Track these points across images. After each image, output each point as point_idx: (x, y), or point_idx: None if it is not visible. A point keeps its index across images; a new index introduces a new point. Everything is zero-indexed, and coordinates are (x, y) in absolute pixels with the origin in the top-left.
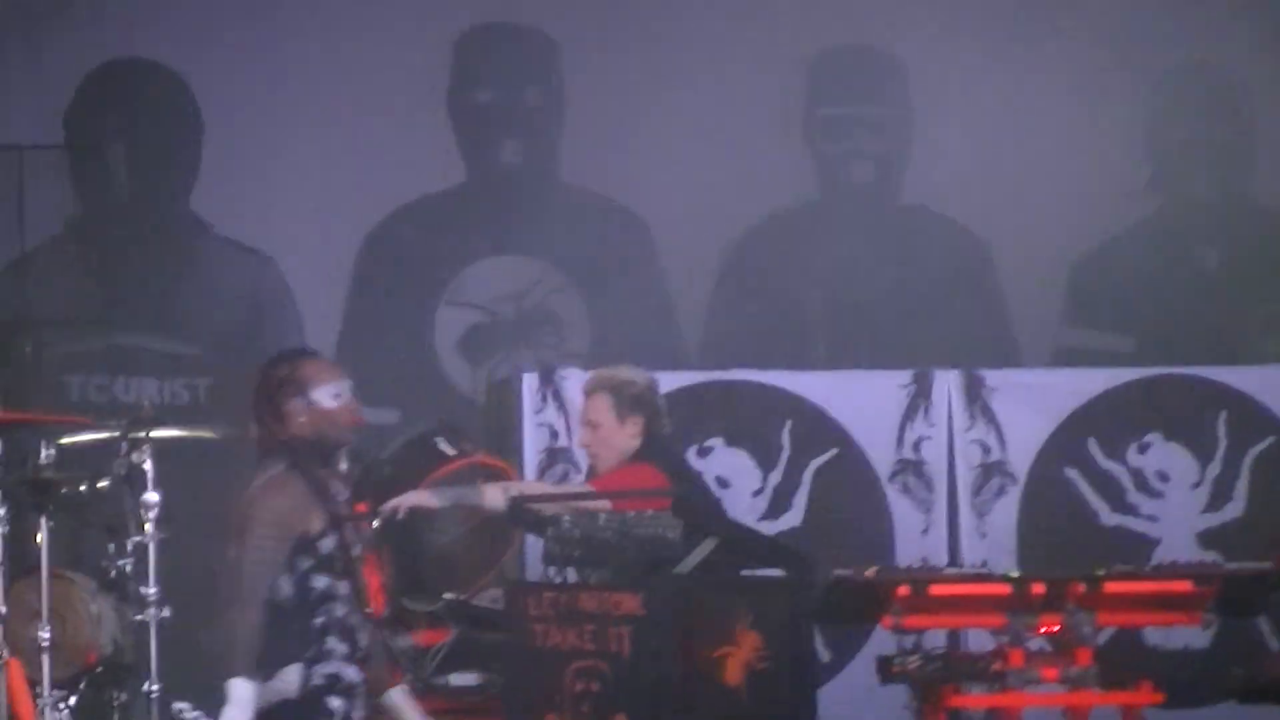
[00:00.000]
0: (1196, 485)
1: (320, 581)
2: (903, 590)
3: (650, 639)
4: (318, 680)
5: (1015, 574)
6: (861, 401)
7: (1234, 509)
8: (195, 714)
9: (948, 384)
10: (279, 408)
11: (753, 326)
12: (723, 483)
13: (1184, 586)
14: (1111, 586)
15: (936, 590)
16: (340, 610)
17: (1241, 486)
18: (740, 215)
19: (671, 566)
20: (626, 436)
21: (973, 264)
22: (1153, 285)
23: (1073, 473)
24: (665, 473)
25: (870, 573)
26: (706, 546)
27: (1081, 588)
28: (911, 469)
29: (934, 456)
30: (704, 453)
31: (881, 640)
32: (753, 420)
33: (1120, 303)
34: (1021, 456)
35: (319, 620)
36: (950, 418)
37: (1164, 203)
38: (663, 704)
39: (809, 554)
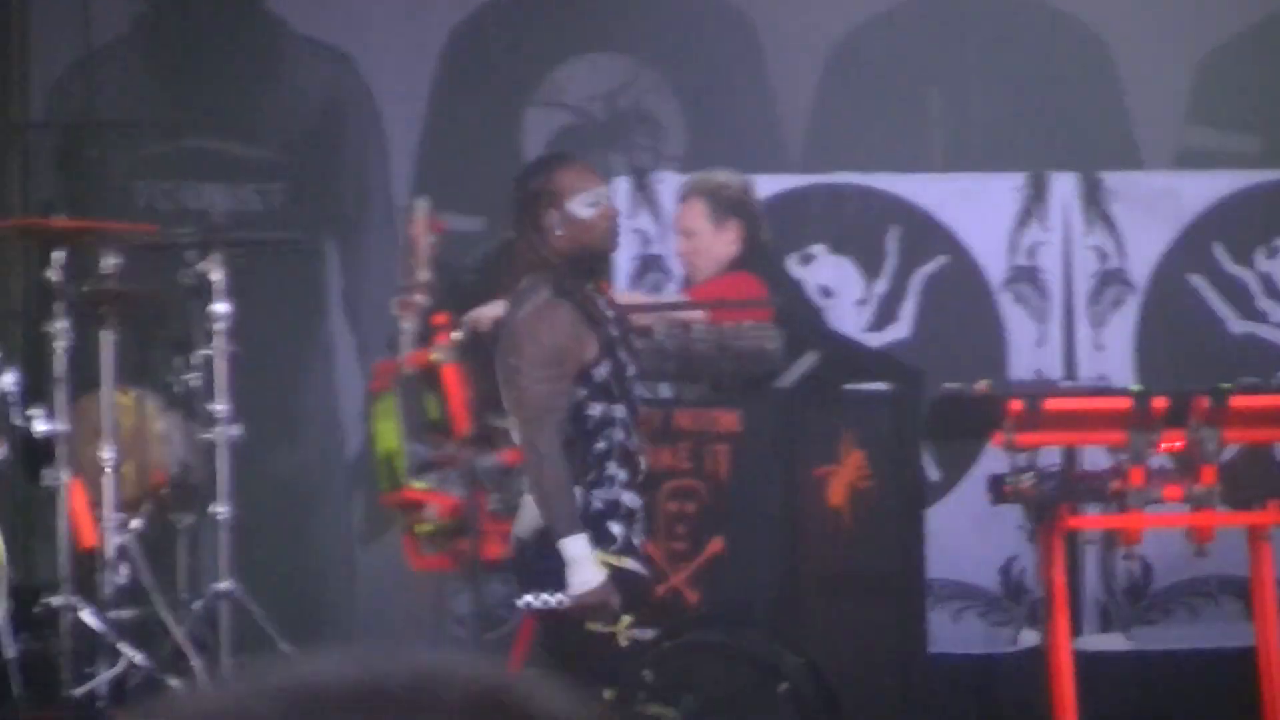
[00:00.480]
0: None
1: (596, 409)
2: (1016, 405)
3: (749, 457)
4: (597, 505)
5: (1135, 388)
6: (973, 206)
7: None
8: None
9: (1064, 187)
10: (537, 221)
11: (859, 128)
12: (826, 292)
13: None
14: (1238, 401)
15: (1051, 405)
16: (619, 434)
17: None
18: (848, 9)
19: (771, 381)
20: (724, 243)
21: (1090, 61)
22: None
23: (1197, 279)
24: (765, 282)
25: (981, 386)
26: (808, 360)
27: (1206, 402)
28: (1025, 277)
29: (1049, 264)
30: (806, 260)
31: (993, 459)
32: (858, 226)
33: (1248, 101)
34: (1142, 264)
35: (600, 445)
36: (1066, 223)
37: None
38: (762, 527)
39: (916, 367)
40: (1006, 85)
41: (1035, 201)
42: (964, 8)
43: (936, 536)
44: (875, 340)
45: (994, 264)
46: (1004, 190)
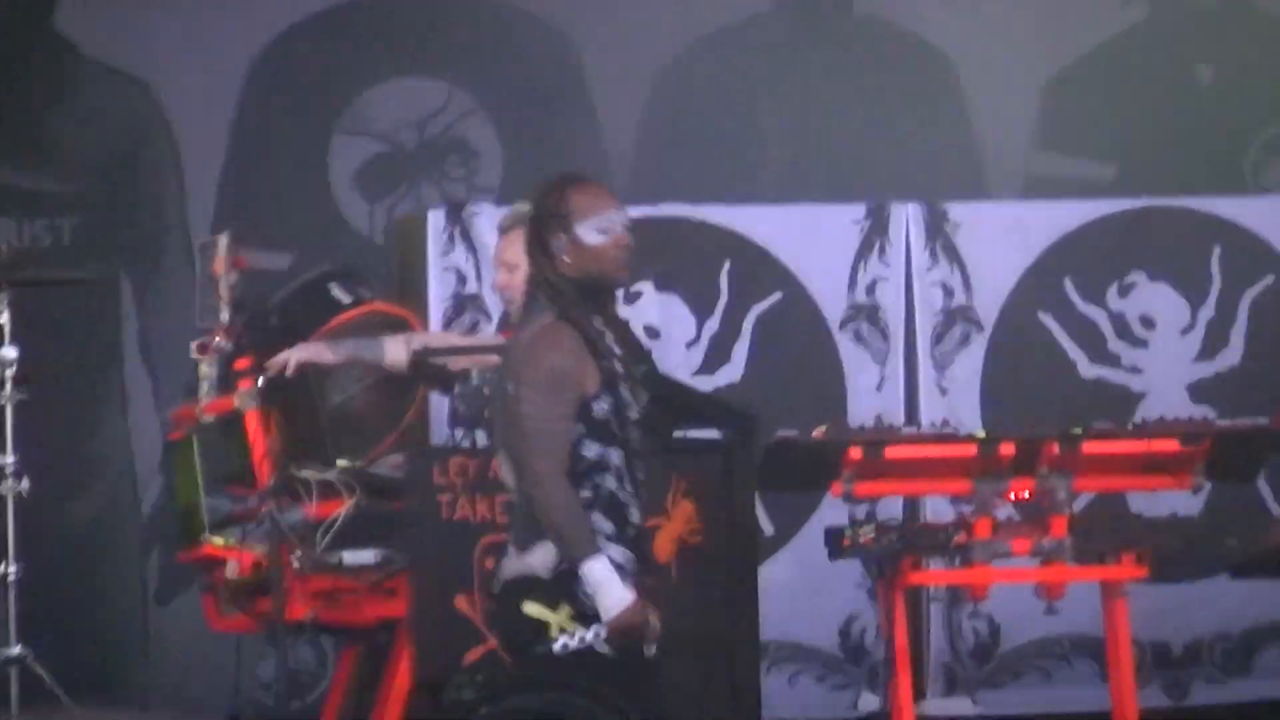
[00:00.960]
0: (1187, 331)
1: (591, 450)
2: (855, 453)
3: None
4: None
5: (981, 433)
6: (809, 240)
7: (1229, 357)
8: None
9: (906, 218)
10: (545, 244)
11: (688, 156)
12: (652, 332)
13: (1172, 446)
14: (1090, 447)
15: (892, 453)
16: (610, 483)
17: (1238, 332)
18: (678, 31)
19: None
20: None
21: (935, 82)
22: (1137, 105)
23: (1047, 318)
24: None
25: (818, 433)
26: None
27: (1056, 448)
28: (865, 315)
29: (891, 301)
30: (631, 298)
31: (832, 510)
32: (687, 261)
33: (1100, 125)
34: (989, 300)
35: (584, 494)
36: (909, 257)
37: (1151, 10)
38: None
39: (750, 412)
40: (846, 110)
41: (876, 234)
42: (803, 27)
43: (771, 594)
44: (706, 383)
45: (832, 301)
46: (843, 222)
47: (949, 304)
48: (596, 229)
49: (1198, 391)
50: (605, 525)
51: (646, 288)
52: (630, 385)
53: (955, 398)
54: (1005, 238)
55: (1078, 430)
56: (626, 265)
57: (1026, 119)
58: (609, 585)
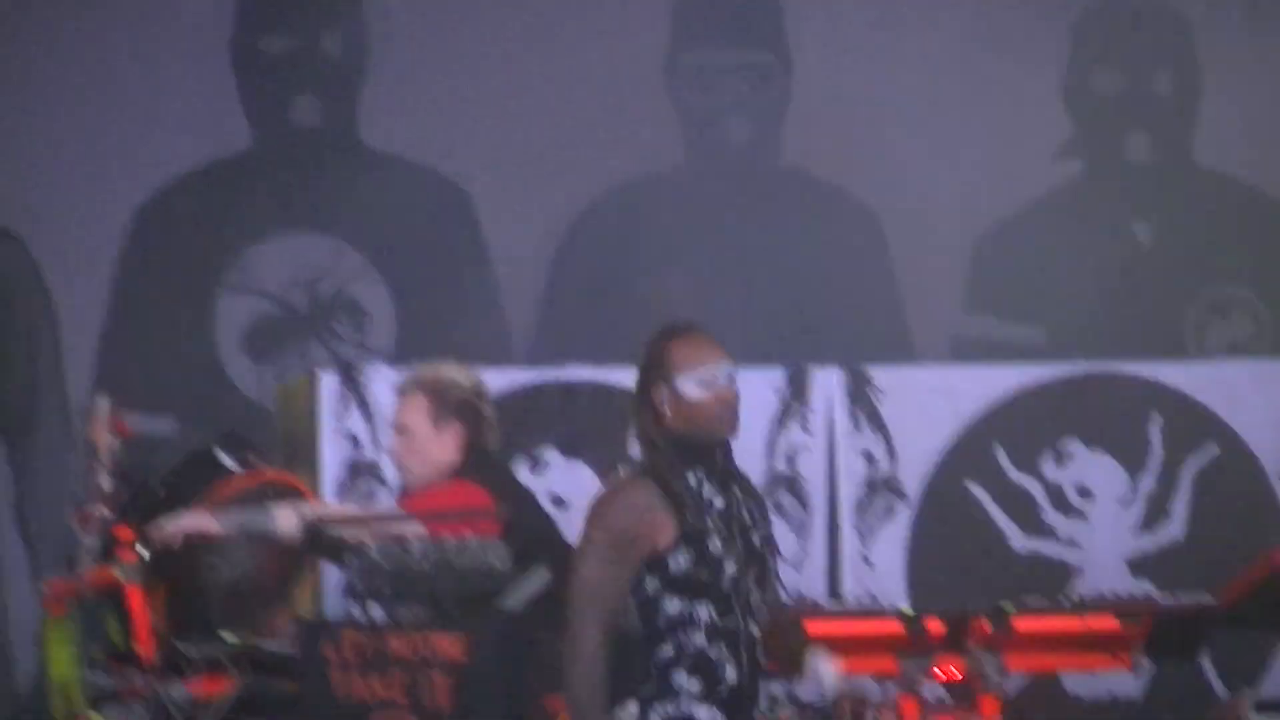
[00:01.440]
0: (1125, 502)
1: (672, 605)
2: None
3: (474, 689)
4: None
5: (907, 610)
6: None
7: (1171, 531)
8: None
9: (828, 384)
10: (646, 396)
11: (595, 317)
12: (559, 502)
13: (1110, 623)
14: (1023, 624)
15: (814, 629)
16: (697, 639)
17: (1180, 504)
18: (582, 184)
19: (498, 602)
20: (445, 448)
21: (859, 240)
22: (1072, 266)
23: (976, 488)
24: (491, 491)
25: None
26: (540, 578)
27: (986, 626)
28: (784, 485)
29: (811, 471)
30: (537, 466)
31: None
32: (595, 427)
33: (1033, 287)
34: (915, 470)
35: (666, 650)
36: (831, 424)
37: (1085, 168)
38: None
39: None
40: (765, 267)
41: (795, 400)
42: (722, 179)
43: None
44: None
45: (750, 470)
46: (759, 387)
47: (872, 473)
48: (697, 382)
49: (1138, 566)
50: (691, 684)
51: (553, 454)
52: (729, 537)
53: (880, 571)
54: (932, 404)
55: (1009, 606)
56: (729, 420)
57: (955, 279)
58: None
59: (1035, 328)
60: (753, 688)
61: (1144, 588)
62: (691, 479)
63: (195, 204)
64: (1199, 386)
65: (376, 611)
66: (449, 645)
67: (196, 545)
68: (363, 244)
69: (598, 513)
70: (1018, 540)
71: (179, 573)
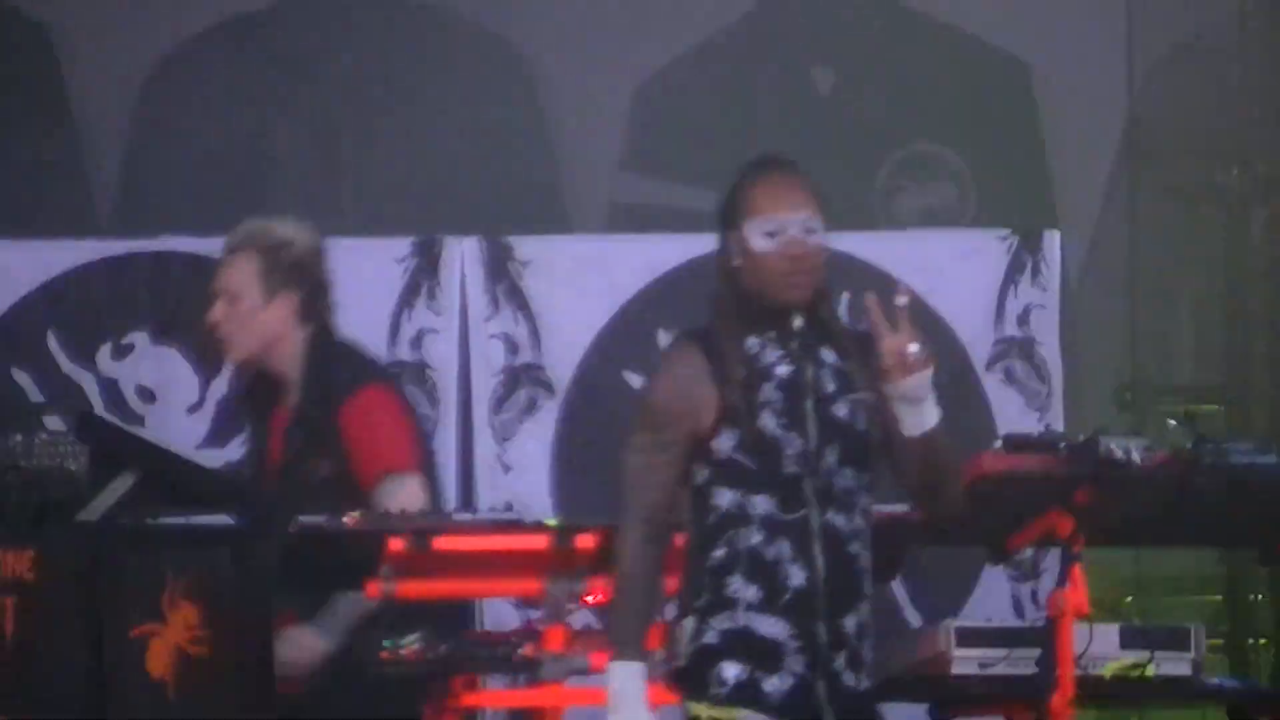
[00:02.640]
0: None
1: (722, 498)
2: (395, 544)
3: (43, 612)
4: (710, 638)
5: (554, 521)
6: (344, 280)
7: None
8: None
9: (461, 255)
10: (721, 242)
11: (189, 179)
12: (146, 394)
13: None
14: (681, 538)
15: (442, 544)
16: (752, 537)
17: None
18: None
19: (73, 512)
20: (275, 317)
21: (499, 86)
22: (745, 118)
23: (634, 379)
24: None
25: (351, 519)
26: (122, 483)
27: None
28: (410, 374)
29: (441, 357)
30: (120, 352)
31: None
32: (191, 306)
33: (701, 143)
34: (564, 357)
35: (719, 552)
36: (464, 303)
37: (758, 3)
38: (62, 703)
39: (267, 493)
40: (387, 119)
41: (423, 274)
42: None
43: None
44: (214, 459)
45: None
46: (382, 260)
47: (513, 361)
48: (764, 231)
49: None
50: (748, 591)
51: (138, 338)
52: (797, 417)
53: (521, 477)
54: (584, 279)
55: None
56: (798, 281)
57: (611, 135)
58: (625, 701)
59: (703, 190)
60: (836, 593)
61: None
62: (754, 344)
63: None
64: (891, 260)
65: None
66: (14, 561)
67: None
68: None
69: (643, 388)
70: None
71: None
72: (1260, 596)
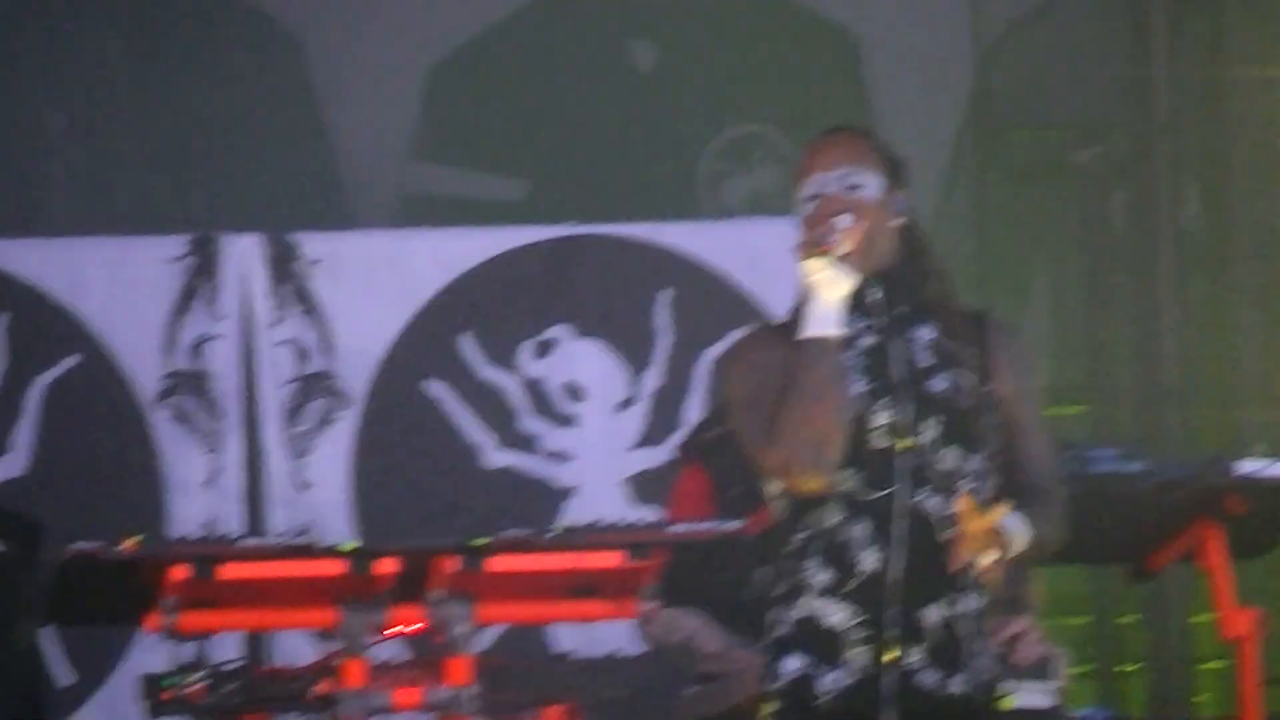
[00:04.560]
0: (625, 405)
1: None
2: (177, 572)
3: None
4: (784, 628)
5: (351, 545)
6: (113, 284)
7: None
8: None
9: (244, 255)
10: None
11: None
12: None
13: (611, 560)
14: (499, 562)
15: (229, 572)
16: (831, 517)
17: (694, 403)
18: None
19: None
20: None
21: (273, 69)
22: (555, 99)
23: (438, 387)
24: None
25: (128, 545)
26: None
27: (453, 565)
28: (188, 385)
29: (224, 366)
30: None
31: (150, 651)
32: None
33: (505, 127)
34: (359, 365)
35: (799, 535)
36: (248, 307)
37: None
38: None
39: (33, 518)
40: (161, 109)
41: (202, 276)
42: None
43: None
44: None
45: (144, 366)
46: (152, 260)
47: (303, 370)
48: (806, 195)
49: (641, 486)
50: (822, 576)
51: None
52: (881, 391)
53: (317, 496)
54: (378, 279)
55: (482, 540)
56: (835, 241)
57: (403, 120)
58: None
59: (508, 180)
60: (918, 581)
61: (651, 514)
62: None
63: None
64: (718, 253)
65: None
66: None
67: None
68: None
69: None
70: (492, 454)
71: None
72: (1131, 618)
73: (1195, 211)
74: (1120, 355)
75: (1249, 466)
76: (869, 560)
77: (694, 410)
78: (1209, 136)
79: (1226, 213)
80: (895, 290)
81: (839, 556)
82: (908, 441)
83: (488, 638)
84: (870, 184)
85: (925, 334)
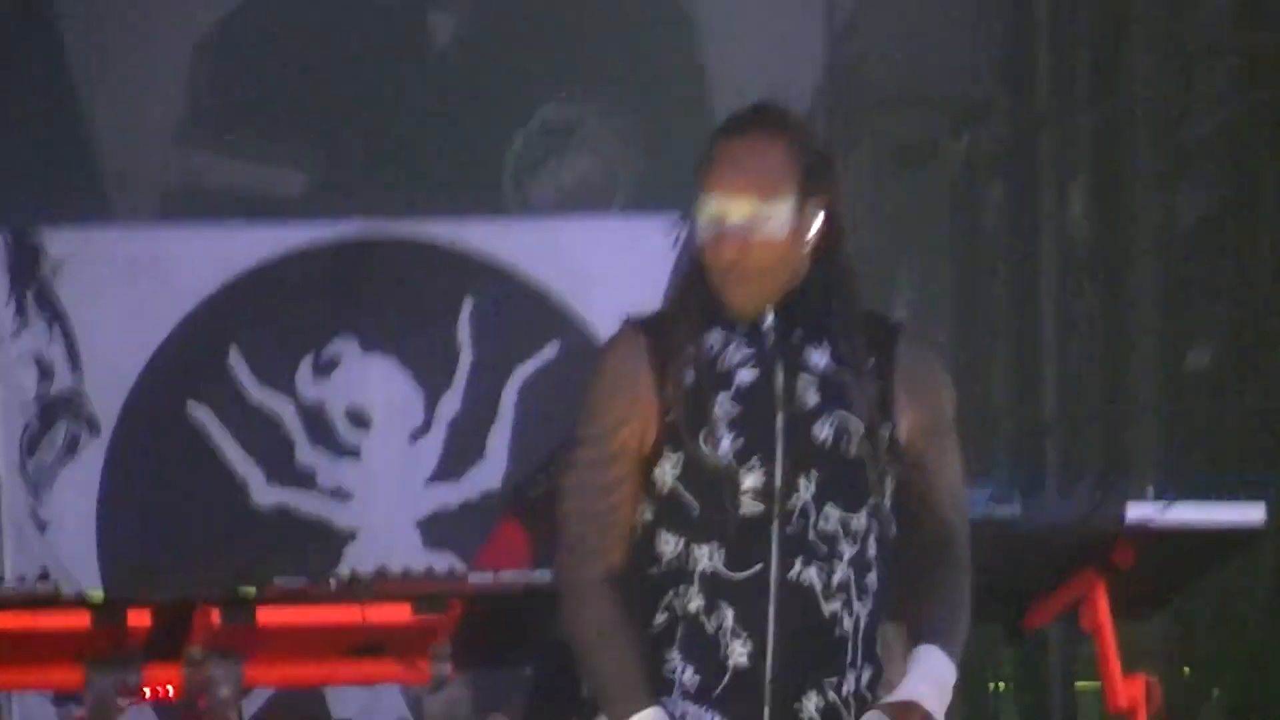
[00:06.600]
0: (419, 433)
1: (666, 545)
2: None
3: None
4: None
5: (99, 594)
6: None
7: (485, 475)
8: None
9: None
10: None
11: None
12: None
13: (401, 614)
14: (270, 614)
15: None
16: (693, 601)
17: (500, 432)
18: None
19: None
20: None
21: (17, 44)
22: (341, 78)
23: (201, 411)
24: None
25: None
26: None
27: (216, 618)
28: None
29: None
30: None
31: None
32: None
33: (282, 111)
34: (111, 383)
35: (658, 620)
36: None
37: None
38: None
39: None
40: None
41: None
42: None
43: None
44: None
45: None
46: None
47: (47, 389)
48: (708, 214)
49: (435, 528)
50: (685, 671)
51: None
52: (755, 438)
53: (59, 536)
54: (136, 283)
55: (251, 589)
56: (736, 294)
57: (166, 101)
58: None
59: (286, 170)
60: (794, 669)
61: (448, 561)
62: (716, 339)
63: None
64: (525, 256)
65: None
66: None
67: None
68: None
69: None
70: (262, 490)
71: None
72: (1003, 686)
73: (1081, 210)
74: (995, 370)
75: (1139, 511)
76: (739, 653)
77: (499, 441)
78: (1099, 125)
79: (1119, 212)
80: (792, 313)
81: (705, 652)
82: (781, 505)
83: (256, 701)
84: (780, 213)
85: (818, 362)
